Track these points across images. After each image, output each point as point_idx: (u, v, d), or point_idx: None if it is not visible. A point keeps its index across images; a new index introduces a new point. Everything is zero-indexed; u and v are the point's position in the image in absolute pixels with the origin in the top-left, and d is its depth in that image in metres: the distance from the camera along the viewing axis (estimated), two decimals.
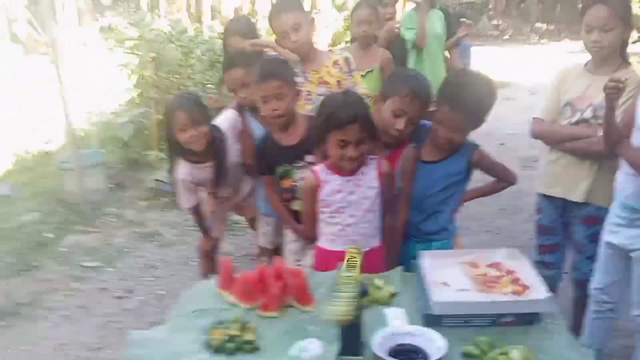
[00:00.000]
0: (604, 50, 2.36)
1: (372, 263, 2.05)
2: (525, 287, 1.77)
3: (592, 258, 2.45)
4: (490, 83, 2.25)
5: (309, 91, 2.77)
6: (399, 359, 1.52)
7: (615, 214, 2.27)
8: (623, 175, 2.23)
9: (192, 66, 5.51)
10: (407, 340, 1.61)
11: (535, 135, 2.62)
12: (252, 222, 3.25)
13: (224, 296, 1.94)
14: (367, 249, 2.15)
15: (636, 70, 2.46)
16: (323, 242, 2.25)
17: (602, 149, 2.27)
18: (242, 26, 3.36)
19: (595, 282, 2.40)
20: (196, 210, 2.93)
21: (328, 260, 2.18)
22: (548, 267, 2.68)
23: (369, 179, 2.16)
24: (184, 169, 2.75)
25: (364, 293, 1.62)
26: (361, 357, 1.58)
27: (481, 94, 2.17)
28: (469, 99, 2.11)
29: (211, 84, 5.34)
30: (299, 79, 2.79)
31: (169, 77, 5.51)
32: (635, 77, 2.33)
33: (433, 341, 1.58)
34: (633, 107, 2.17)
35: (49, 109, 6.82)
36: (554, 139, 2.55)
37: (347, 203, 2.15)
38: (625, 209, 2.21)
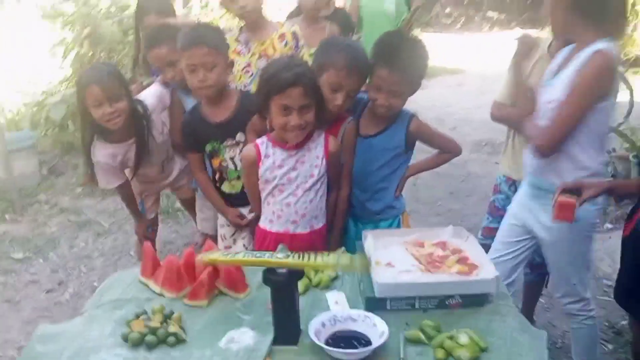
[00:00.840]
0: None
1: (314, 246, 1.90)
2: (473, 267, 1.66)
3: None
4: (422, 43, 2.13)
5: (248, 63, 2.58)
6: (338, 346, 1.39)
7: (522, 191, 2.20)
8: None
9: (131, 44, 5.17)
10: (347, 327, 1.48)
11: (495, 118, 2.46)
12: (188, 205, 3.04)
13: (148, 284, 1.75)
14: (308, 230, 2.03)
15: None
16: (263, 222, 2.09)
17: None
18: (156, 3, 2.94)
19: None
20: (122, 191, 2.69)
21: (266, 242, 2.03)
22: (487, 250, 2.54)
23: (314, 155, 2.00)
24: (101, 151, 2.47)
25: (299, 275, 1.46)
26: (296, 347, 1.44)
27: (417, 54, 2.07)
28: (407, 59, 2.00)
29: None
30: (240, 48, 2.60)
31: (107, 55, 5.17)
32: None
33: (375, 326, 1.45)
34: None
35: None
36: (508, 123, 2.45)
37: (288, 180, 1.99)
38: (530, 186, 2.12)
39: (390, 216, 2.21)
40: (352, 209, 2.22)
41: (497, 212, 2.53)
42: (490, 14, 18.55)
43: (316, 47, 2.23)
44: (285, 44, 2.64)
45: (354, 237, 2.12)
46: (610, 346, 2.74)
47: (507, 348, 1.42)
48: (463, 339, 1.41)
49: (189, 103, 2.56)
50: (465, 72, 9.83)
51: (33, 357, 1.42)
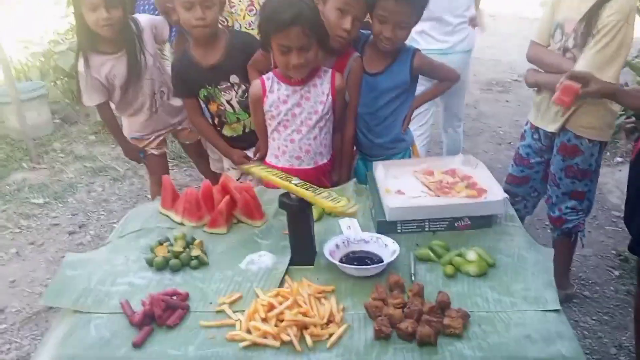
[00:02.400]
0: None
1: (319, 180, 1.95)
2: (482, 191, 1.71)
3: (568, 195, 2.34)
4: None
5: (251, 1, 2.56)
6: (352, 264, 1.46)
7: None
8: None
9: None
10: (360, 247, 1.55)
11: (529, 59, 2.38)
12: (191, 151, 3.00)
13: (169, 215, 1.83)
14: (312, 166, 2.06)
15: None
16: (269, 157, 2.13)
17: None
18: None
19: None
20: (102, 111, 2.65)
21: None
22: (513, 198, 2.47)
23: (320, 92, 2.00)
24: (92, 62, 2.45)
25: (307, 205, 1.52)
26: (312, 266, 1.51)
27: None
28: None
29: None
30: None
31: None
32: (623, 3, 2.01)
33: (387, 247, 1.52)
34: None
35: None
36: (542, 67, 2.32)
37: (292, 116, 2.00)
38: None
39: (400, 149, 2.24)
40: (360, 147, 2.25)
41: (521, 161, 2.51)
42: None
43: None
44: None
45: (364, 176, 2.09)
46: (616, 272, 2.83)
47: (513, 263, 1.48)
48: (471, 255, 1.47)
49: None
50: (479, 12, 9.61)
51: (63, 281, 1.50)
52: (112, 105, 2.68)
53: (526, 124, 2.50)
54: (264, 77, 2.04)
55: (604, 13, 2.01)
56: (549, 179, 2.42)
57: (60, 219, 3.64)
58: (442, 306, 1.28)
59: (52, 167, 4.34)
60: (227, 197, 1.73)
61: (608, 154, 3.80)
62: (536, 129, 2.40)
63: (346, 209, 1.43)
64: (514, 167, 2.56)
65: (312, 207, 1.54)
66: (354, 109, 2.13)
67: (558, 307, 1.31)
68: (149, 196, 3.79)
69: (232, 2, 2.57)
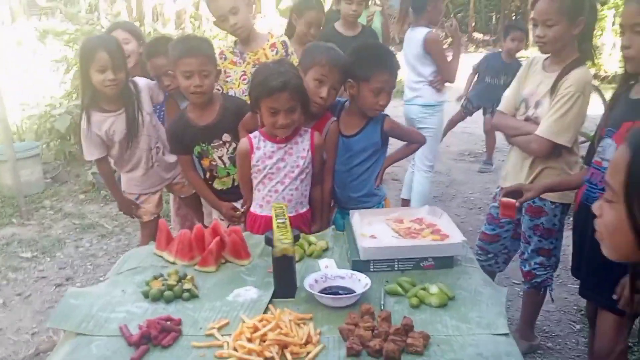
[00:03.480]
0: (548, 45, 2.29)
1: (299, 227, 2.15)
2: (445, 236, 1.93)
3: (536, 251, 2.50)
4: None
5: (244, 71, 2.85)
6: (327, 294, 1.64)
7: None
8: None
9: None
10: (336, 283, 1.73)
11: (494, 125, 2.70)
12: (190, 204, 3.18)
13: (162, 256, 2.00)
14: (294, 214, 2.26)
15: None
16: (254, 207, 2.33)
17: (535, 149, 2.33)
18: (164, 47, 2.96)
19: None
20: (101, 166, 2.87)
21: (257, 225, 2.28)
22: (485, 254, 2.71)
23: (301, 148, 2.24)
24: (93, 119, 2.70)
25: (296, 238, 1.73)
26: (293, 298, 1.69)
27: (395, 58, 2.41)
28: (395, 59, 2.36)
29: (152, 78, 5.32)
30: (236, 59, 2.88)
31: None
32: (577, 80, 2.24)
33: (360, 281, 1.70)
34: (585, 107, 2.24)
35: None
36: (507, 132, 2.56)
37: (277, 170, 2.23)
38: None
39: (373, 203, 2.47)
40: (338, 201, 2.49)
41: (492, 220, 2.68)
42: (476, 35, 19.11)
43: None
44: (276, 52, 2.92)
45: (341, 226, 2.30)
46: (578, 326, 3.01)
47: (471, 297, 1.67)
48: (433, 289, 1.67)
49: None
50: (452, 88, 10.22)
51: (68, 308, 1.64)
52: (111, 161, 2.90)
53: (497, 188, 2.69)
54: (251, 135, 2.28)
55: (562, 85, 2.25)
56: (522, 236, 2.57)
57: (48, 272, 3.73)
58: (407, 328, 1.46)
59: (41, 223, 4.47)
60: (217, 238, 1.92)
61: (570, 218, 4.07)
62: None
63: (286, 243, 1.66)
64: (486, 226, 2.73)
65: (295, 247, 1.74)
66: (331, 166, 2.37)
67: (507, 331, 1.49)
68: None
69: (228, 73, 2.86)
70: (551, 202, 2.41)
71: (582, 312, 3.09)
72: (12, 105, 5.77)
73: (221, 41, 7.62)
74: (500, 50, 5.51)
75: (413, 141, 2.57)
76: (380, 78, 2.28)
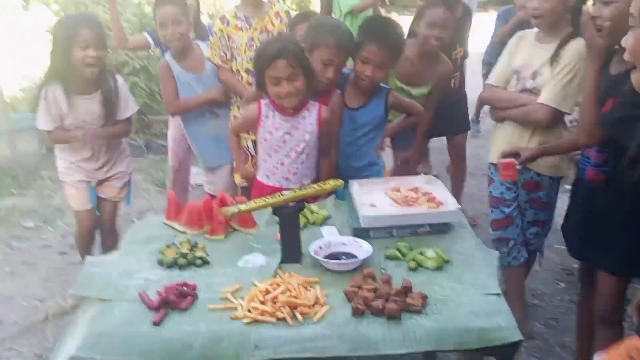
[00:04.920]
0: (544, 18, 2.33)
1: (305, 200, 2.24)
2: (440, 203, 2.05)
3: (532, 222, 2.55)
4: (399, 24, 2.49)
5: (251, 37, 2.89)
6: (331, 259, 1.76)
7: None
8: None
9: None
10: (339, 249, 1.85)
11: (485, 101, 2.70)
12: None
13: (172, 225, 2.10)
14: (298, 186, 2.32)
15: None
16: (260, 176, 2.42)
17: (540, 118, 2.35)
18: None
19: None
20: (54, 137, 2.79)
21: (264, 194, 2.36)
22: (505, 245, 2.58)
23: (308, 122, 2.31)
24: (56, 93, 2.62)
25: (300, 208, 1.83)
26: (300, 264, 1.81)
27: (398, 32, 2.44)
28: (391, 36, 2.38)
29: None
30: (240, 24, 2.90)
31: None
32: (577, 50, 2.27)
33: (362, 247, 1.82)
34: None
35: None
36: (499, 105, 2.54)
37: (283, 143, 2.31)
38: None
39: (372, 172, 2.57)
40: (339, 170, 2.57)
41: (498, 202, 2.59)
42: None
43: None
44: (280, 20, 2.96)
45: (341, 195, 2.34)
46: (562, 284, 3.19)
47: (465, 260, 1.80)
48: (430, 253, 1.79)
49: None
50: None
51: (89, 276, 1.75)
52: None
53: (489, 168, 2.67)
54: (262, 102, 2.33)
55: (565, 55, 2.29)
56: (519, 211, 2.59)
57: (51, 241, 3.83)
58: (406, 290, 1.58)
59: (40, 193, 4.54)
60: (223, 207, 2.02)
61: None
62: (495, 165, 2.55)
63: (335, 183, 1.91)
64: (494, 211, 2.62)
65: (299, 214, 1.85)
66: (335, 138, 2.45)
67: (498, 291, 1.63)
68: (135, 219, 4.04)
69: (233, 38, 2.90)
70: (549, 177, 2.47)
71: (567, 272, 3.27)
72: (6, 76, 5.75)
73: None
74: (513, 5, 4.99)
75: (413, 113, 2.67)
76: (367, 48, 2.34)
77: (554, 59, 2.33)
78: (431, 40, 2.81)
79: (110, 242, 3.04)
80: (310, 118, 2.32)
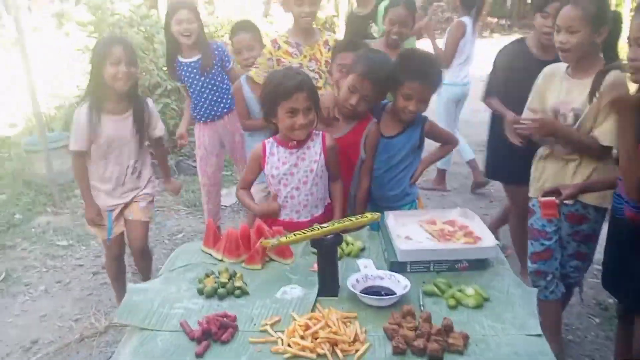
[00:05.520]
0: (570, 52, 2.32)
1: None
2: (478, 238, 2.04)
3: (573, 256, 2.52)
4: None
5: (300, 64, 2.98)
6: (369, 294, 1.76)
7: None
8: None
9: (155, 50, 5.59)
10: (376, 283, 1.85)
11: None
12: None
13: (210, 253, 2.13)
14: (309, 218, 2.38)
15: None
16: None
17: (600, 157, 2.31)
18: (185, 4, 3.43)
19: None
20: (77, 160, 2.85)
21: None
22: (544, 278, 2.55)
23: (314, 152, 2.34)
24: (84, 111, 2.74)
25: (339, 241, 1.85)
26: (336, 297, 1.81)
27: (436, 67, 2.48)
28: (432, 71, 2.42)
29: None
30: (291, 50, 2.99)
31: None
32: (614, 80, 2.22)
33: (399, 282, 1.82)
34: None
35: (7, 92, 6.75)
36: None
37: (290, 175, 2.33)
38: None
39: (406, 202, 2.59)
40: (373, 198, 2.59)
41: (539, 235, 2.55)
42: (490, 19, 18.96)
43: None
44: (328, 50, 3.02)
45: (375, 225, 2.33)
46: (597, 319, 3.12)
47: (504, 298, 1.79)
48: (469, 290, 1.78)
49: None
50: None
51: (132, 305, 1.78)
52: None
53: (530, 200, 2.63)
54: (265, 140, 2.38)
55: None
56: (560, 244, 2.54)
57: (84, 260, 3.91)
58: (447, 329, 1.58)
59: (74, 212, 4.64)
60: (262, 238, 2.05)
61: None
62: None
63: (372, 216, 1.95)
64: (535, 244, 2.57)
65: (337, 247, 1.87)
66: (369, 166, 2.48)
67: (540, 332, 1.61)
68: (166, 241, 4.10)
69: (283, 62, 3.01)
70: (594, 207, 2.40)
71: (602, 306, 3.21)
72: (44, 95, 5.93)
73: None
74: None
75: (447, 142, 2.69)
76: (410, 85, 2.39)
77: (592, 95, 2.28)
78: (392, 35, 3.34)
79: (144, 264, 3.11)
80: (316, 148, 2.35)
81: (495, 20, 18.72)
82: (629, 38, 1.96)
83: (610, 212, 2.29)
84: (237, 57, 3.42)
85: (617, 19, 2.38)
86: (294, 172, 2.33)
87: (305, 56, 2.98)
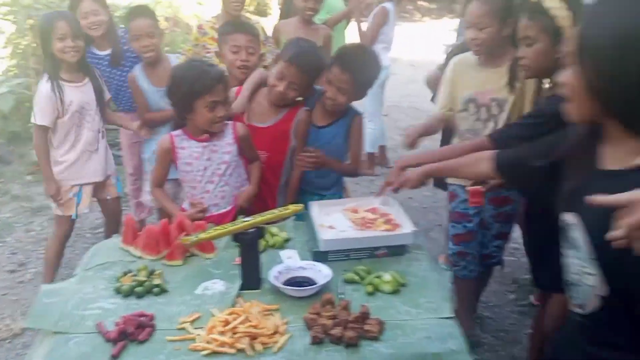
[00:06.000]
0: (481, 48, 2.36)
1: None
2: (396, 225, 2.10)
3: (497, 236, 2.61)
4: (377, 59, 2.54)
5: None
6: (291, 286, 1.78)
7: None
8: None
9: None
10: (299, 273, 1.87)
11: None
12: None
13: (129, 250, 2.07)
14: (229, 208, 2.37)
15: None
16: (187, 206, 2.39)
17: None
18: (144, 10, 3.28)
19: None
20: (40, 135, 2.91)
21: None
22: (463, 259, 2.64)
23: (225, 143, 2.32)
24: (47, 84, 2.85)
25: (261, 234, 1.85)
26: (259, 290, 1.82)
27: (369, 62, 2.46)
28: (358, 63, 2.40)
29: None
30: (217, 36, 2.92)
31: None
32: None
33: (321, 272, 1.85)
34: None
35: None
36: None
37: (204, 169, 2.31)
38: None
39: (334, 191, 2.63)
40: (305, 184, 2.59)
41: (461, 217, 2.62)
42: (421, 3, 19.33)
43: None
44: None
45: (300, 215, 2.29)
46: (512, 295, 3.31)
47: (420, 283, 1.86)
48: (387, 277, 1.84)
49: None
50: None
51: (43, 308, 1.71)
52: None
53: (450, 185, 2.69)
54: (173, 133, 2.32)
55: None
56: (482, 226, 2.63)
57: (0, 258, 3.69)
58: (364, 316, 1.62)
59: None
60: (183, 233, 2.01)
61: None
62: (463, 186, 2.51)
63: (295, 208, 1.96)
64: (456, 226, 2.65)
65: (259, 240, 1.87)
66: (299, 153, 2.48)
67: (452, 315, 1.69)
68: (88, 234, 3.95)
69: (208, 48, 3.04)
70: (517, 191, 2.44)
71: (517, 284, 3.40)
72: None
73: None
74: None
75: (352, 160, 2.60)
76: (332, 70, 2.39)
77: (512, 85, 2.33)
78: (306, 10, 3.50)
79: (117, 230, 3.19)
80: (227, 138, 2.33)
81: (427, 4, 19.11)
82: (517, 39, 2.03)
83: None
84: (134, 43, 3.12)
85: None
86: (207, 166, 2.30)
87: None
